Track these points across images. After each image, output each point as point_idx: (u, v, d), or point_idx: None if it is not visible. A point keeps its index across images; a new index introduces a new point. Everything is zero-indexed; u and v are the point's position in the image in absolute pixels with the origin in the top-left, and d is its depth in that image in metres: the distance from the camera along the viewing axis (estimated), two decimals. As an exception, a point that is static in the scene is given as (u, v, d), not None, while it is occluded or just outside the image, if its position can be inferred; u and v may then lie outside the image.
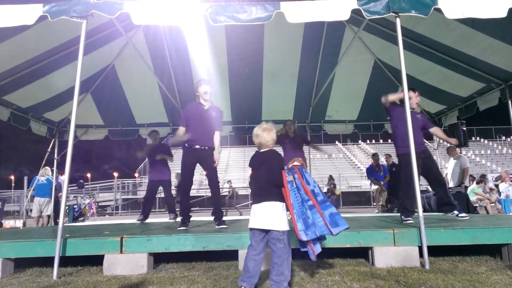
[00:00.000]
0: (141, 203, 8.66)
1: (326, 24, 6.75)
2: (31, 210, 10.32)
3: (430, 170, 5.07)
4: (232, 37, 6.93)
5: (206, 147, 4.85)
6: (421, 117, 5.38)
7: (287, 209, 2.71)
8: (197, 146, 4.82)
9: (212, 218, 4.99)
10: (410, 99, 4.99)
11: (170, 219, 7.17)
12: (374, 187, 10.73)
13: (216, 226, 4.77)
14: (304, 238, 2.62)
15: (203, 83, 4.94)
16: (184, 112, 4.98)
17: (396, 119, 5.16)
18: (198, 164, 4.95)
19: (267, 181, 2.74)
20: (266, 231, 2.70)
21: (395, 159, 10.74)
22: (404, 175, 4.95)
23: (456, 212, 5.00)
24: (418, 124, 5.17)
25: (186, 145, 4.88)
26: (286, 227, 2.69)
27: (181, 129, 4.91)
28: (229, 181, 19.47)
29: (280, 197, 2.71)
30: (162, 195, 8.69)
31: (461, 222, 4.65)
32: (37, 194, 9.48)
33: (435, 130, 5.46)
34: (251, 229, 2.74)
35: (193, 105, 5.00)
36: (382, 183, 10.57)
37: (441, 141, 7.48)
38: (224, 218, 5.02)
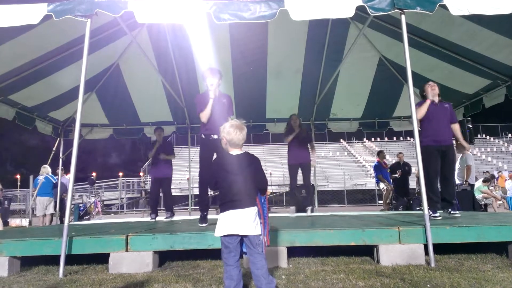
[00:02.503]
0: (148, 202, 8.68)
1: (331, 21, 6.73)
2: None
3: (443, 167, 5.02)
4: (236, 35, 6.92)
5: None
6: (449, 108, 5.17)
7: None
8: (215, 136, 4.79)
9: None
10: (426, 92, 5.08)
11: (165, 218, 7.08)
12: (382, 185, 10.65)
13: None
14: (269, 244, 2.64)
15: (209, 75, 4.83)
16: (197, 100, 4.92)
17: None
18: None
19: (254, 186, 2.59)
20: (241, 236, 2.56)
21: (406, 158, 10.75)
22: (422, 167, 4.99)
23: (450, 209, 4.99)
24: (445, 115, 5.04)
25: (203, 136, 4.85)
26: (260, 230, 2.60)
27: (204, 113, 4.77)
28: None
29: (255, 202, 2.61)
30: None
31: (466, 220, 4.62)
32: (38, 194, 9.56)
33: (456, 126, 5.27)
34: (233, 235, 2.52)
35: (204, 95, 4.94)
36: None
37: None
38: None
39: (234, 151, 2.64)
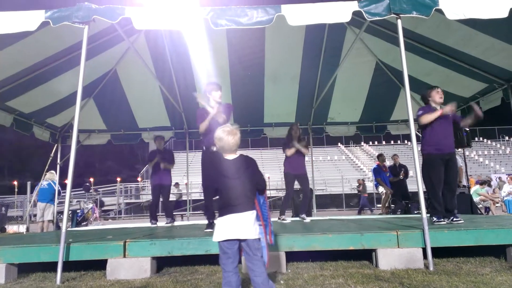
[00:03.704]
0: (149, 209, 8.68)
1: (327, 26, 6.76)
2: (35, 215, 10.37)
3: (445, 175, 4.92)
4: (233, 41, 6.94)
5: None
6: (452, 114, 5.00)
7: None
8: (214, 148, 4.81)
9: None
10: (431, 96, 4.98)
11: (166, 223, 7.24)
12: (380, 189, 10.60)
13: None
14: (273, 242, 2.64)
15: (218, 89, 4.87)
16: (198, 114, 4.94)
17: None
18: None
19: (252, 189, 2.59)
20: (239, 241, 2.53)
21: (402, 160, 10.72)
22: (425, 176, 4.91)
23: (452, 218, 4.94)
24: (448, 122, 4.95)
25: (204, 148, 4.90)
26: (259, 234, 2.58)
27: (203, 124, 4.78)
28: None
29: (254, 205, 2.60)
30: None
31: (464, 223, 4.62)
32: (38, 199, 9.54)
33: (463, 121, 5.15)
34: (232, 240, 2.48)
35: (203, 110, 4.95)
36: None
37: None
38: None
39: (229, 156, 2.62)
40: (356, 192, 20.50)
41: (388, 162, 11.25)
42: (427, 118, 4.83)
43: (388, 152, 31.90)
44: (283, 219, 6.56)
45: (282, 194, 22.51)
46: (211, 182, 4.82)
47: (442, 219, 4.77)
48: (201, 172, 4.90)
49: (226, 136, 2.56)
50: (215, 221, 3.09)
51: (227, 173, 2.59)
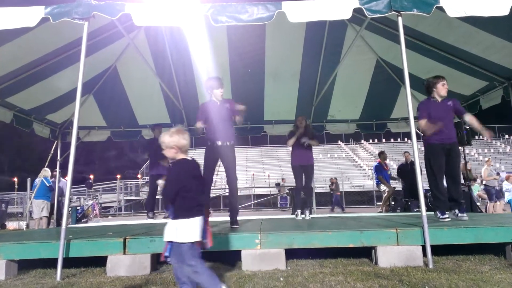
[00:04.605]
0: (145, 201, 8.48)
1: (328, 23, 6.75)
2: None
3: (448, 165, 4.90)
4: (233, 37, 6.93)
5: (227, 143, 4.87)
6: (453, 104, 4.99)
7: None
8: (219, 143, 4.84)
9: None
10: (436, 88, 4.98)
11: (164, 217, 7.11)
12: (382, 187, 10.56)
13: (230, 225, 4.85)
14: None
15: (220, 86, 4.90)
16: (200, 111, 4.95)
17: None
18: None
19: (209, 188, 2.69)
20: None
21: (401, 158, 10.68)
22: (426, 165, 4.92)
23: (457, 211, 4.93)
24: (449, 112, 4.95)
25: (209, 142, 4.91)
26: None
27: (198, 123, 4.89)
28: None
29: None
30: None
31: (464, 221, 4.62)
32: (34, 196, 9.56)
33: (467, 117, 5.03)
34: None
35: (207, 104, 4.98)
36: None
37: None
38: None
39: (188, 157, 2.58)
40: (329, 190, 20.55)
41: (391, 162, 11.22)
42: (426, 126, 4.82)
43: (388, 150, 31.97)
44: (296, 215, 6.60)
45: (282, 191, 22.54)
46: (209, 178, 4.88)
47: (447, 215, 4.77)
48: (203, 167, 4.84)
49: (182, 136, 2.53)
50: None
51: (195, 173, 2.57)
